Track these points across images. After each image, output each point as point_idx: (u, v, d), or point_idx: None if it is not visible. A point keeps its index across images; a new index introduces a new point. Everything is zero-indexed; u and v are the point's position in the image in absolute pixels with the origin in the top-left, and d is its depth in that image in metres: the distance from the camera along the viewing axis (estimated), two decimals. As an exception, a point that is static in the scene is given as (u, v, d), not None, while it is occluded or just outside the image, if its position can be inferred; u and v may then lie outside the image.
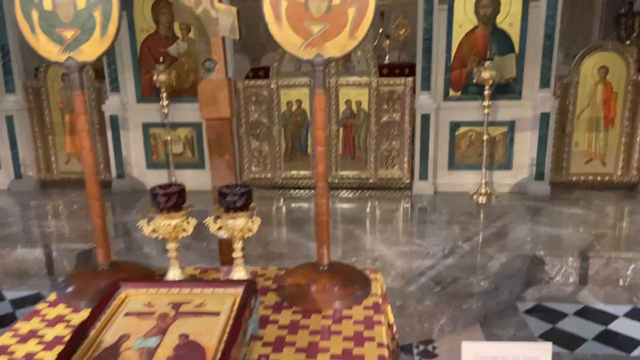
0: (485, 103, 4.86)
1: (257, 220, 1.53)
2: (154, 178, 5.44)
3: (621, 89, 5.00)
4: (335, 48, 1.40)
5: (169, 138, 5.15)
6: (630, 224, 4.39)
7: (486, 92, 4.83)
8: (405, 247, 3.97)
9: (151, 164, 5.48)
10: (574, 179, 5.26)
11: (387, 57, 8.67)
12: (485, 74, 4.74)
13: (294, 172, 5.49)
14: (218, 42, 1.62)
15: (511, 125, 5.16)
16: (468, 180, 5.28)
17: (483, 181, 5.07)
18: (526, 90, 5.07)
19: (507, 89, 5.09)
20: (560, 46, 9.20)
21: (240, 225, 1.52)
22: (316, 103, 1.44)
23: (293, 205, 5.17)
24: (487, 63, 4.75)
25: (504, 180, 5.29)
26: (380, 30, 9.10)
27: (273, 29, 1.39)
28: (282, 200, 5.33)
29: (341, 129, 5.37)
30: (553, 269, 3.79)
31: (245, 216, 1.52)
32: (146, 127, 5.36)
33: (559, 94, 5.08)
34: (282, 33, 1.39)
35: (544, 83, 4.95)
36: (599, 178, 5.23)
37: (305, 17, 1.37)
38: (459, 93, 5.17)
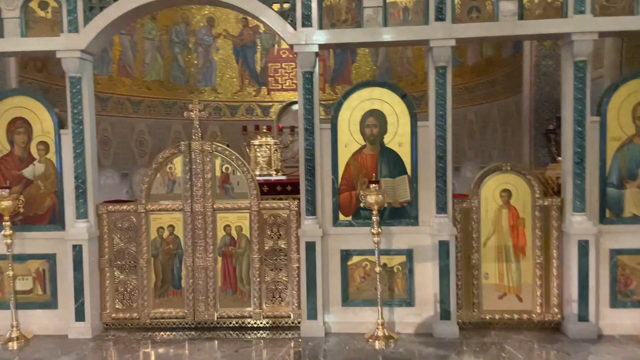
0: (374, 230, 4.25)
1: None
2: (-5, 321, 4.60)
3: (528, 214, 4.46)
4: None
5: (10, 273, 4.37)
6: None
7: (374, 218, 4.25)
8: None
9: (-8, 304, 4.65)
10: (488, 317, 4.50)
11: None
12: (371, 198, 4.19)
13: (164, 311, 4.67)
14: None
15: (409, 254, 4.51)
16: (366, 319, 4.49)
17: (379, 321, 4.29)
18: (423, 215, 4.50)
19: (402, 214, 4.53)
20: (496, 161, 8.97)
21: None
22: None
23: (158, 353, 4.27)
24: (372, 186, 4.22)
25: (407, 319, 4.51)
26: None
27: None
28: (149, 345, 4.44)
29: (220, 259, 4.67)
30: None
31: None
32: (-12, 259, 4.61)
33: (460, 219, 4.51)
34: None
35: (441, 207, 4.39)
36: (516, 316, 4.48)
37: None
38: (349, 218, 4.58)
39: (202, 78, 11.82)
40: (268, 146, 8.09)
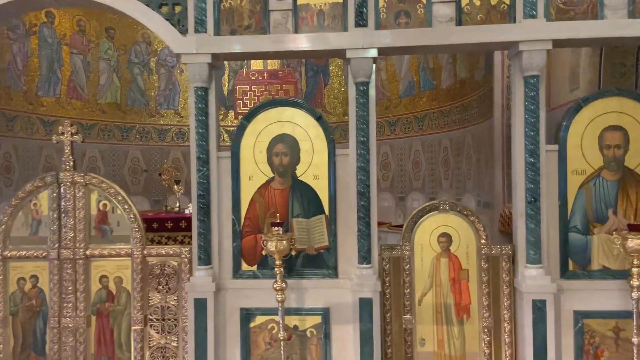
0: (277, 285, 3.36)
1: None
2: None
3: (473, 265, 3.58)
4: None
5: None
6: None
7: (277, 270, 3.37)
8: None
9: None
10: (424, 395, 3.58)
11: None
12: (272, 245, 3.32)
13: (22, 382, 3.76)
14: None
15: (326, 314, 3.62)
16: (274, 396, 3.57)
17: (283, 403, 3.37)
18: (343, 265, 3.63)
19: (318, 263, 3.65)
20: (471, 192, 8.12)
21: None
22: None
23: None
24: (274, 229, 3.35)
25: (323, 398, 3.59)
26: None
27: None
28: None
29: (94, 318, 3.77)
30: None
31: None
32: None
33: (389, 270, 3.63)
34: None
35: (363, 256, 3.52)
36: (459, 394, 3.56)
37: None
38: (254, 267, 3.70)
39: (164, 101, 11.04)
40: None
